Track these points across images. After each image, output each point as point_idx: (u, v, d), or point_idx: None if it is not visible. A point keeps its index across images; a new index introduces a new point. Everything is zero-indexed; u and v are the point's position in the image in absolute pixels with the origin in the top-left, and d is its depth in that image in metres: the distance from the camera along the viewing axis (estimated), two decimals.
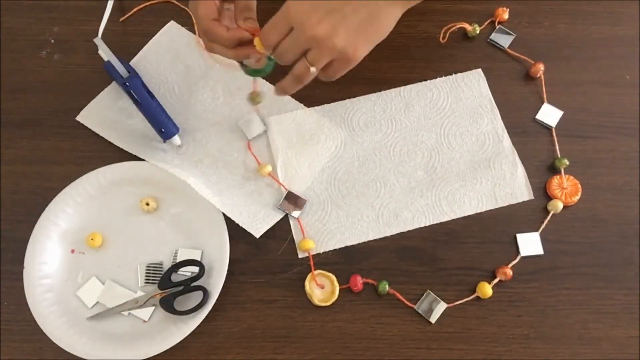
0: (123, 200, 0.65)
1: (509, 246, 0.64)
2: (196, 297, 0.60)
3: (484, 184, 0.67)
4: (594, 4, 0.75)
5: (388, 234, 0.65)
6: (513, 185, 0.66)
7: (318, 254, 0.64)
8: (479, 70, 0.72)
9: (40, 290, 0.61)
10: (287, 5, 0.51)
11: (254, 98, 0.62)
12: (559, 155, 0.68)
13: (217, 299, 0.60)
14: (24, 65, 0.72)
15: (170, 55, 0.72)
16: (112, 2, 0.72)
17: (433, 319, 0.61)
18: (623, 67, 0.72)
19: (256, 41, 0.54)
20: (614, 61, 0.72)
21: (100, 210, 0.65)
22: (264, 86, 0.68)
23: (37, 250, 0.62)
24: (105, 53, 0.68)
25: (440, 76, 0.71)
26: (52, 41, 0.73)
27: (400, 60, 0.72)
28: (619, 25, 0.74)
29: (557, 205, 0.65)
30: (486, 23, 0.74)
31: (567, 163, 0.67)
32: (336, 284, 0.62)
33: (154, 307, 0.61)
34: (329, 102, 0.70)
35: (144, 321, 0.61)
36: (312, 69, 0.52)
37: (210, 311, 0.60)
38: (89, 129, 0.68)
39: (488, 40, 0.74)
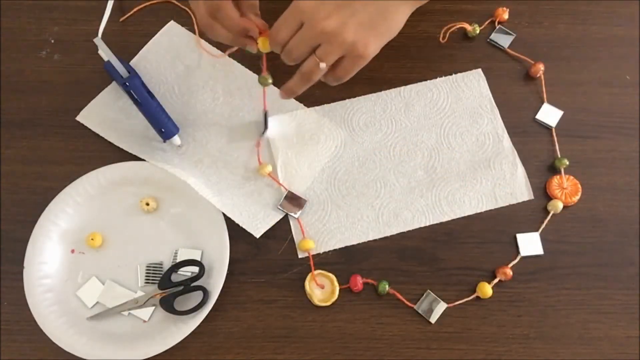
0: (123, 200, 0.65)
1: (509, 246, 0.64)
2: (196, 297, 0.60)
3: (484, 184, 0.67)
4: (594, 4, 0.75)
5: (388, 234, 0.65)
6: (513, 185, 0.66)
7: (318, 254, 0.64)
8: (479, 70, 0.72)
9: (40, 290, 0.61)
10: (297, 1, 0.51)
11: (265, 80, 0.62)
12: (559, 155, 0.68)
13: (217, 299, 0.60)
14: (24, 65, 0.72)
15: (170, 55, 0.72)
16: (112, 2, 0.72)
17: (433, 319, 0.61)
18: (623, 67, 0.72)
19: (261, 41, 0.54)
20: (614, 61, 0.72)
21: (100, 210, 0.65)
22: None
23: (37, 250, 0.62)
24: (105, 53, 0.68)
25: (440, 76, 0.71)
26: (52, 41, 0.73)
27: (400, 60, 0.72)
28: (619, 25, 0.74)
29: (557, 205, 0.65)
30: (486, 23, 0.74)
31: (567, 163, 0.67)
32: (336, 284, 0.62)
33: (154, 307, 0.61)
34: (329, 102, 0.70)
35: (144, 321, 0.61)
36: (322, 65, 0.52)
37: (210, 311, 0.60)
38: (89, 129, 0.68)
39: (488, 40, 0.74)
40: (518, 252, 0.64)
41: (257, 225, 0.64)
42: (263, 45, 0.54)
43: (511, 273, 0.62)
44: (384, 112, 0.70)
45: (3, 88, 0.71)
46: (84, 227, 0.64)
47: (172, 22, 0.74)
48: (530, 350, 0.60)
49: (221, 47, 0.72)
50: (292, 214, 0.65)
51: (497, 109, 0.70)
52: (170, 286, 0.61)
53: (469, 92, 0.71)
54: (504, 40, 0.73)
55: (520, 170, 0.67)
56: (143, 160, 0.66)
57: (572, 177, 0.66)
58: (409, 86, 0.71)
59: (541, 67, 0.71)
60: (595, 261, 0.63)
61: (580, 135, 0.69)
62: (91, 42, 0.68)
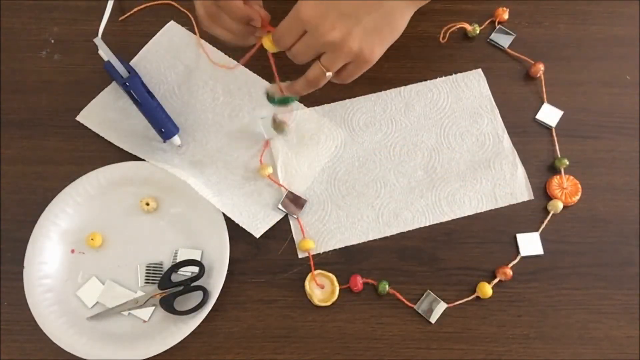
0: (123, 200, 0.65)
1: (509, 246, 0.64)
2: (196, 297, 0.60)
3: (484, 184, 0.67)
4: (594, 4, 0.75)
5: (388, 234, 0.65)
6: (513, 186, 0.66)
7: (318, 254, 0.64)
8: (479, 70, 0.72)
9: (40, 290, 0.61)
10: (299, 8, 0.49)
11: (279, 127, 0.62)
12: (559, 155, 0.68)
13: (217, 299, 0.60)
14: (24, 65, 0.72)
15: (170, 55, 0.72)
16: (112, 2, 0.72)
17: (433, 319, 0.61)
18: (623, 67, 0.72)
19: (265, 40, 0.54)
20: (614, 61, 0.72)
21: (100, 210, 0.65)
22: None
23: (37, 250, 0.62)
24: (105, 53, 0.68)
25: (440, 76, 0.71)
26: (52, 41, 0.73)
27: (400, 60, 0.72)
28: (619, 25, 0.74)
29: (557, 205, 0.65)
30: (486, 23, 0.74)
31: (567, 163, 0.67)
32: (336, 284, 0.62)
33: (154, 307, 0.61)
34: (329, 102, 0.70)
35: (144, 321, 0.61)
36: (328, 73, 0.52)
37: (210, 311, 0.60)
38: (89, 129, 0.68)
39: (488, 40, 0.73)
40: (518, 252, 0.64)
41: (257, 225, 0.64)
42: (268, 45, 0.54)
43: (511, 273, 0.62)
44: (384, 112, 0.70)
45: (3, 88, 0.71)
46: (84, 227, 0.64)
47: (172, 22, 0.74)
48: (530, 350, 0.60)
49: (221, 47, 0.72)
50: (292, 214, 0.65)
51: (497, 109, 0.70)
52: (170, 286, 0.61)
53: (469, 92, 0.71)
54: (504, 40, 0.73)
55: (520, 170, 0.67)
56: (143, 160, 0.66)
57: (572, 177, 0.66)
58: (409, 86, 0.71)
59: (541, 67, 0.71)
60: (595, 261, 0.63)
61: (580, 135, 0.69)
62: (91, 42, 0.68)
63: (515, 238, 0.64)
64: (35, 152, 0.68)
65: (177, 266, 0.62)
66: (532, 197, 0.66)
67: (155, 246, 0.64)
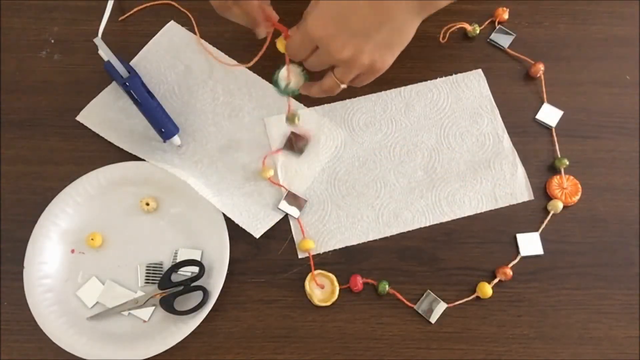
0: (123, 200, 0.65)
1: (509, 246, 0.64)
2: (196, 297, 0.60)
3: (484, 184, 0.67)
4: (594, 4, 0.75)
5: (388, 234, 0.65)
6: (513, 186, 0.66)
7: (318, 254, 0.64)
8: (479, 70, 0.72)
9: (40, 290, 0.61)
10: (309, 28, 0.50)
11: (291, 119, 0.63)
12: (559, 155, 0.68)
13: (217, 299, 0.60)
14: (24, 65, 0.72)
15: (170, 55, 0.72)
16: (112, 2, 0.72)
17: (433, 319, 0.61)
18: (623, 67, 0.72)
19: (279, 43, 0.55)
20: (614, 61, 0.72)
21: (100, 210, 0.65)
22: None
23: (37, 250, 0.62)
24: (105, 53, 0.68)
25: (441, 76, 0.71)
26: (52, 41, 0.73)
27: (400, 60, 0.71)
28: (619, 25, 0.74)
29: (557, 205, 0.65)
30: (486, 23, 0.74)
31: (567, 163, 0.67)
32: (336, 284, 0.62)
33: (154, 307, 0.61)
34: (329, 102, 0.70)
35: (144, 321, 0.61)
36: (342, 85, 0.54)
37: (210, 311, 0.60)
38: (89, 129, 0.68)
39: (488, 40, 0.74)
40: (518, 252, 0.64)
41: (257, 225, 0.64)
42: (281, 47, 0.55)
43: (511, 273, 0.62)
44: (384, 112, 0.70)
45: (3, 88, 0.71)
46: (84, 227, 0.64)
47: (172, 22, 0.74)
48: (530, 350, 0.60)
49: (222, 47, 0.72)
50: (292, 214, 0.65)
51: (497, 109, 0.70)
52: (170, 286, 0.61)
53: (469, 92, 0.71)
54: (504, 40, 0.73)
55: (520, 170, 0.67)
56: (143, 160, 0.66)
57: (572, 177, 0.66)
58: (409, 86, 0.71)
59: (541, 67, 0.71)
60: (595, 261, 0.63)
61: (580, 135, 0.69)
62: (91, 42, 0.68)
63: (515, 238, 0.64)
64: (35, 152, 0.68)
65: (177, 266, 0.62)
66: (532, 197, 0.66)
67: (155, 246, 0.64)
